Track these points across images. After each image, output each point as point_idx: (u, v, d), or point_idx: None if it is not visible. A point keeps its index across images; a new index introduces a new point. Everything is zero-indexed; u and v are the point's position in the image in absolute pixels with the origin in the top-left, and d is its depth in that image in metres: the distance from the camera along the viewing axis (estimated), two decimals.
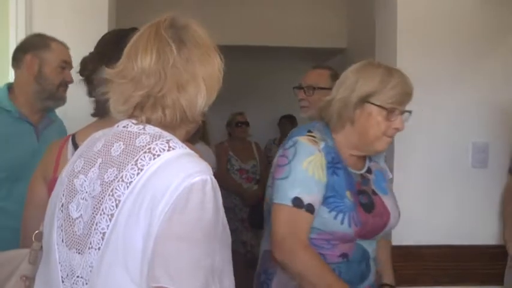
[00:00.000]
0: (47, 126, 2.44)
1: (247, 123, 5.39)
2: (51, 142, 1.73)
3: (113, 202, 1.11)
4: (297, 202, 1.84)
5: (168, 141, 1.15)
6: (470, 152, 2.93)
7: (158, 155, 1.12)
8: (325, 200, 1.88)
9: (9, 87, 2.39)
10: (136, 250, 1.07)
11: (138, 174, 1.11)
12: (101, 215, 1.12)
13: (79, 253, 1.14)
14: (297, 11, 5.39)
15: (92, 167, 1.18)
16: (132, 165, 1.12)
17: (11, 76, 2.59)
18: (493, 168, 2.92)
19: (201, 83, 1.21)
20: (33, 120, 2.39)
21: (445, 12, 2.90)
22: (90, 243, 1.12)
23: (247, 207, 4.81)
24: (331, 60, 6.06)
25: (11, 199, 2.21)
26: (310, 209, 1.85)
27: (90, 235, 1.13)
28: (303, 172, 1.86)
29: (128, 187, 1.10)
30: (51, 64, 2.34)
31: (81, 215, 1.16)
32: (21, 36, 2.61)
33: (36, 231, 1.36)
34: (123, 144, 1.17)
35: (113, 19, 2.89)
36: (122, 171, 1.12)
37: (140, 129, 1.19)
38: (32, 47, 2.34)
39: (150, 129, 1.19)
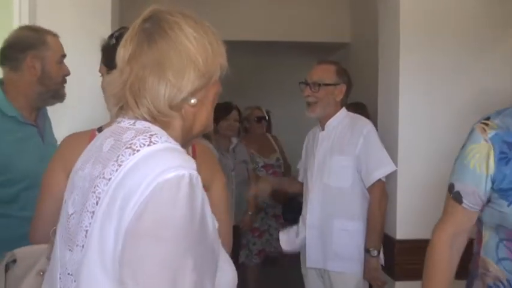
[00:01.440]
0: (44, 124, 2.36)
1: (265, 118, 5.14)
2: (71, 134, 1.68)
3: (94, 199, 1.08)
4: (450, 187, 1.81)
5: (151, 136, 1.10)
6: None
7: (138, 150, 1.07)
8: (503, 193, 1.69)
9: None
10: (109, 248, 1.04)
11: (117, 170, 1.07)
12: (85, 212, 1.10)
13: (70, 250, 1.14)
14: (301, 6, 5.38)
15: (87, 163, 1.18)
16: (113, 161, 1.09)
17: None
18: None
19: (161, 75, 1.14)
20: (33, 121, 2.28)
21: (448, 5, 2.89)
22: (77, 241, 1.12)
23: (279, 204, 4.68)
24: (334, 54, 6.06)
25: (28, 207, 2.11)
26: (456, 197, 1.77)
27: (77, 232, 1.12)
28: (461, 159, 1.81)
29: (107, 184, 1.07)
30: (52, 62, 2.20)
31: (75, 211, 1.16)
32: None
33: (54, 227, 1.34)
34: (113, 140, 1.15)
35: (116, 14, 2.89)
36: (105, 168, 1.10)
37: (130, 124, 1.16)
38: (30, 46, 2.16)
39: (140, 124, 1.15)
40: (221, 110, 4.37)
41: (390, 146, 2.86)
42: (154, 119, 1.16)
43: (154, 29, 1.17)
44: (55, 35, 2.25)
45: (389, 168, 2.79)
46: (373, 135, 2.81)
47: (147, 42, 1.16)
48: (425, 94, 2.89)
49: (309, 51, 6.23)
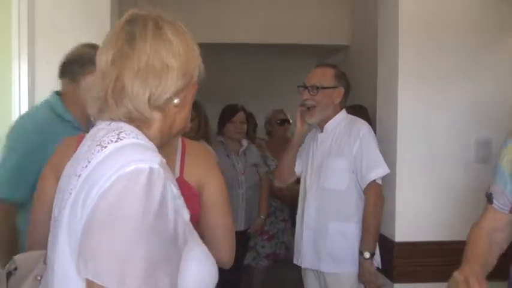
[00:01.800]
0: None
1: (288, 121, 4.99)
2: (64, 138, 1.71)
3: (67, 196, 1.12)
4: (488, 189, 1.88)
5: (119, 133, 1.14)
6: (473, 148, 2.92)
7: (105, 147, 1.11)
8: None
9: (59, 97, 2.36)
10: (76, 240, 1.06)
11: (86, 166, 1.10)
12: (61, 210, 1.14)
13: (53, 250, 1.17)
14: (301, 8, 5.39)
15: (70, 168, 1.21)
16: (85, 159, 1.13)
17: (12, 72, 2.62)
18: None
19: (141, 77, 1.17)
20: (86, 130, 2.39)
21: (447, 7, 2.89)
22: (55, 239, 1.15)
23: (288, 207, 4.68)
24: (334, 57, 6.06)
25: None
26: (489, 197, 1.86)
27: (55, 231, 1.15)
28: (497, 161, 1.86)
29: (77, 180, 1.11)
30: None
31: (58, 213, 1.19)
32: (24, 33, 2.62)
33: None
34: (90, 141, 1.18)
35: (115, 17, 2.89)
36: (78, 166, 1.14)
37: (106, 125, 1.19)
38: (89, 62, 2.21)
39: (114, 124, 1.18)
40: (227, 113, 4.38)
41: (389, 148, 2.87)
42: (131, 120, 1.19)
43: (137, 31, 1.20)
44: None
45: (382, 170, 2.79)
46: (370, 137, 2.81)
47: (129, 44, 1.19)
48: (425, 97, 2.89)
49: (308, 54, 6.24)
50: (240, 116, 4.36)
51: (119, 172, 1.04)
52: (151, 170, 1.06)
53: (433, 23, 2.88)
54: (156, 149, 1.17)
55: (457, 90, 2.90)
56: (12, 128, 2.22)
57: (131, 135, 1.14)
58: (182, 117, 1.30)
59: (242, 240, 4.19)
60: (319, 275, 2.89)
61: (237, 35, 5.35)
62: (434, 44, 2.88)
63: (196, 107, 3.77)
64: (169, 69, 1.19)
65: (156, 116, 1.22)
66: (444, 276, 2.84)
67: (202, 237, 1.62)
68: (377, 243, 2.81)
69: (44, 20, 2.72)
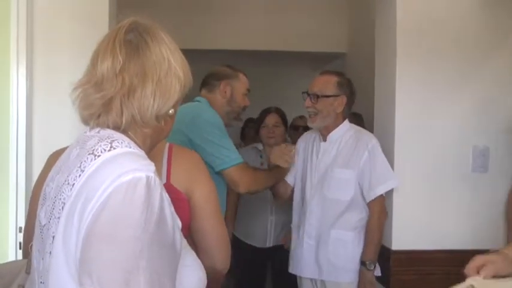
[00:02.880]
0: None
1: (304, 128, 4.47)
2: (54, 151, 1.70)
3: (60, 205, 1.12)
4: None
5: (111, 142, 1.13)
6: (470, 156, 2.92)
7: (99, 156, 1.10)
8: None
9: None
10: (72, 251, 1.06)
11: (79, 176, 1.10)
12: (53, 219, 1.13)
13: (42, 259, 1.16)
14: (298, 16, 5.40)
15: (57, 175, 1.20)
16: (77, 167, 1.12)
17: (11, 75, 2.62)
18: (493, 172, 2.91)
19: (151, 87, 1.19)
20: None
21: (444, 16, 2.90)
22: (46, 248, 1.14)
23: None
24: (331, 64, 6.07)
25: None
26: None
27: (47, 240, 1.14)
28: None
29: (71, 189, 1.10)
30: (239, 91, 2.88)
31: (47, 221, 1.17)
32: (22, 36, 2.63)
33: (32, 243, 1.35)
34: (79, 148, 1.18)
35: (113, 23, 2.89)
36: (70, 174, 1.13)
37: (95, 133, 1.19)
38: (225, 77, 2.87)
39: (103, 132, 1.19)
40: (259, 116, 4.03)
41: (386, 157, 2.86)
42: (116, 128, 1.20)
43: (140, 40, 1.21)
44: (245, 74, 2.99)
45: (391, 183, 2.79)
46: (378, 150, 2.79)
47: (136, 53, 1.20)
48: (423, 104, 2.89)
49: (306, 61, 6.25)
50: (272, 118, 3.92)
51: (116, 182, 1.04)
52: (148, 178, 1.06)
53: (430, 30, 2.89)
54: (147, 157, 1.16)
55: (455, 99, 2.91)
56: (203, 122, 2.60)
57: (124, 144, 1.14)
58: (169, 128, 1.33)
59: (274, 257, 3.86)
60: (317, 283, 2.88)
61: (235, 42, 5.37)
62: (433, 51, 2.89)
63: None
64: (172, 80, 1.22)
65: (155, 125, 1.24)
66: (441, 285, 2.85)
67: (195, 244, 1.62)
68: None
69: (42, 23, 2.72)
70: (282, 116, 3.94)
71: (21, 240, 2.60)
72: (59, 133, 2.62)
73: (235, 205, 3.86)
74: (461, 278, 2.84)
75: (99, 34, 1.28)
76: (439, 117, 2.91)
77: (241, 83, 2.90)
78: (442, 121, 2.91)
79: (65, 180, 1.13)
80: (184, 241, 1.24)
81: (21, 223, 2.62)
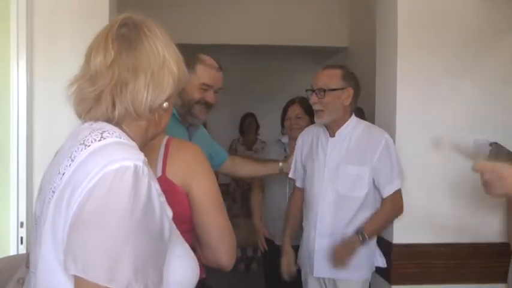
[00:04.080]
0: (195, 130, 2.72)
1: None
2: None
3: (50, 195, 1.14)
4: None
5: (102, 132, 1.16)
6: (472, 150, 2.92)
7: (89, 145, 1.13)
8: None
9: None
10: (60, 238, 1.08)
11: (70, 165, 1.12)
12: (44, 209, 1.15)
13: (35, 249, 1.18)
14: (299, 10, 5.40)
15: (51, 166, 1.24)
16: (68, 157, 1.14)
17: (11, 71, 2.62)
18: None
19: (144, 80, 1.21)
20: (186, 125, 2.66)
21: (446, 10, 2.89)
22: (38, 238, 1.16)
23: None
24: (332, 58, 6.07)
25: None
26: None
27: (40, 230, 1.16)
28: None
29: (61, 178, 1.12)
30: (192, 84, 2.54)
31: (40, 212, 1.20)
32: (22, 33, 2.62)
33: None
34: (71, 140, 1.21)
35: (113, 15, 2.88)
36: (61, 165, 1.15)
37: (88, 125, 1.21)
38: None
39: (97, 124, 1.21)
40: (284, 108, 3.86)
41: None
42: (109, 120, 1.22)
43: (132, 34, 1.23)
44: (217, 68, 2.64)
45: (399, 183, 2.78)
46: (392, 146, 2.76)
47: (128, 47, 1.22)
48: (424, 99, 2.89)
49: (307, 56, 6.25)
50: (295, 109, 3.72)
51: (104, 170, 1.05)
52: (136, 167, 1.08)
53: (432, 24, 2.88)
54: (137, 147, 1.18)
55: (456, 93, 2.90)
56: None
57: (114, 135, 1.16)
58: (165, 122, 1.35)
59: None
60: (326, 281, 2.84)
61: (237, 37, 5.36)
62: (434, 45, 2.88)
63: None
64: (165, 73, 1.24)
65: (149, 118, 1.26)
66: (442, 278, 2.87)
67: (198, 238, 1.61)
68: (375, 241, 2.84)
69: (42, 16, 2.71)
70: (306, 107, 3.58)
71: (23, 235, 2.61)
72: (60, 127, 2.61)
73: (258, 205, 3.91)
74: (463, 271, 2.87)
75: (99, 27, 1.28)
76: (440, 112, 2.90)
77: (196, 76, 2.58)
78: (444, 115, 2.90)
79: (56, 171, 1.15)
80: (177, 232, 1.25)
81: (22, 218, 2.62)
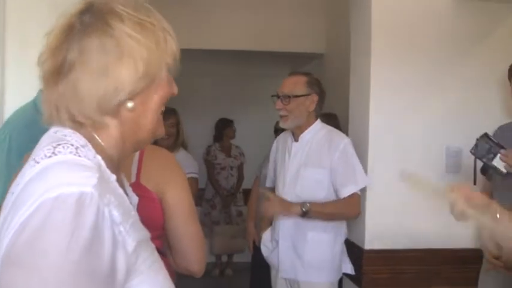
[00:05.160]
0: None
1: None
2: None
3: (0, 217, 0.97)
4: None
5: (56, 146, 0.97)
6: (444, 157, 2.95)
7: (38, 162, 0.95)
8: None
9: None
10: None
11: (18, 184, 0.95)
12: None
13: None
14: (277, 16, 5.40)
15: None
16: (21, 175, 0.98)
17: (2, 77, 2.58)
18: (466, 172, 2.93)
19: (95, 74, 1.01)
20: None
21: (420, 16, 2.92)
22: None
23: None
24: (309, 64, 6.09)
25: None
26: None
27: None
28: None
29: (11, 198, 0.96)
30: None
31: None
32: None
33: None
34: (36, 149, 1.03)
35: None
36: (15, 182, 0.99)
37: (53, 133, 1.04)
38: None
39: (60, 131, 1.03)
40: None
41: (360, 156, 2.87)
42: (80, 125, 1.04)
43: (91, 22, 1.03)
44: None
45: (361, 184, 2.80)
46: (350, 150, 2.79)
47: (78, 37, 1.02)
48: (397, 105, 2.91)
49: (284, 61, 6.26)
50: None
51: (41, 198, 0.88)
52: (81, 195, 0.89)
53: (406, 31, 2.91)
54: (95, 167, 0.97)
55: (429, 100, 2.93)
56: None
57: (68, 150, 0.97)
58: (147, 123, 1.10)
59: None
60: (292, 283, 2.87)
61: (214, 42, 5.35)
62: (408, 51, 2.91)
63: (174, 113, 3.73)
64: (122, 67, 1.02)
65: (110, 121, 1.05)
66: (412, 284, 2.88)
67: (170, 244, 1.60)
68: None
69: (14, 20, 2.67)
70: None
71: None
72: None
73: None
74: (435, 275, 2.89)
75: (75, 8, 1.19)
76: (413, 118, 2.93)
77: None
78: (416, 122, 2.93)
79: (11, 188, 0.99)
80: (154, 258, 1.09)
81: None
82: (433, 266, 2.90)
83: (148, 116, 1.10)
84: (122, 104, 1.04)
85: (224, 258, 6.59)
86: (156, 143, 3.31)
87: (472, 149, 2.54)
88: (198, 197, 4.66)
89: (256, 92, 6.67)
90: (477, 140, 2.53)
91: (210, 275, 6.14)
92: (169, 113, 3.68)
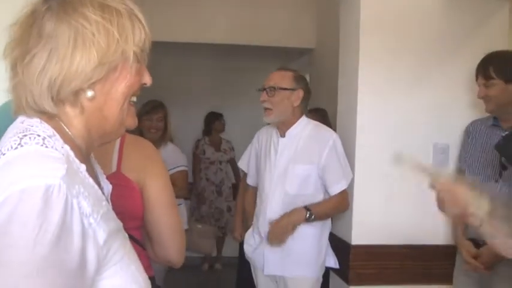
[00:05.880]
0: None
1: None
2: None
3: None
4: None
5: (23, 137, 0.94)
6: (431, 154, 2.96)
7: (4, 154, 0.92)
8: None
9: None
10: None
11: None
12: None
13: None
14: (267, 11, 5.40)
15: None
16: None
17: None
18: (453, 169, 2.95)
19: (49, 62, 0.98)
20: None
21: (408, 14, 2.93)
22: None
23: None
24: (299, 60, 6.09)
25: None
26: None
27: None
28: None
29: None
30: None
31: None
32: None
33: None
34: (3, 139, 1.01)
35: None
36: None
37: (19, 122, 1.01)
38: None
39: (26, 121, 1.00)
40: None
41: (348, 152, 2.88)
42: (46, 115, 1.01)
43: (52, 8, 1.00)
44: None
45: (349, 178, 2.84)
46: (339, 147, 2.82)
47: (36, 24, 1.00)
48: (384, 101, 2.92)
49: (274, 56, 6.25)
50: None
51: (6, 192, 0.86)
52: (47, 188, 0.87)
53: (394, 28, 2.92)
54: (63, 158, 0.94)
55: (417, 96, 2.94)
56: None
57: (35, 140, 0.94)
58: (113, 113, 1.07)
59: None
60: (278, 279, 2.87)
61: (204, 36, 5.34)
62: (395, 48, 2.91)
63: (162, 107, 3.72)
64: (77, 54, 0.98)
65: (70, 111, 1.03)
66: (398, 279, 2.90)
67: (149, 235, 1.61)
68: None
69: None
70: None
71: None
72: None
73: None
74: (417, 272, 2.90)
75: None
76: (400, 114, 2.94)
77: None
78: (404, 118, 2.94)
79: None
80: (127, 250, 1.08)
81: None
82: (419, 262, 2.91)
83: (113, 105, 1.06)
84: (79, 92, 1.01)
85: (213, 253, 6.60)
86: (143, 136, 3.29)
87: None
88: (189, 190, 4.67)
89: (246, 86, 6.66)
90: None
91: (200, 269, 6.14)
92: (157, 106, 3.68)
